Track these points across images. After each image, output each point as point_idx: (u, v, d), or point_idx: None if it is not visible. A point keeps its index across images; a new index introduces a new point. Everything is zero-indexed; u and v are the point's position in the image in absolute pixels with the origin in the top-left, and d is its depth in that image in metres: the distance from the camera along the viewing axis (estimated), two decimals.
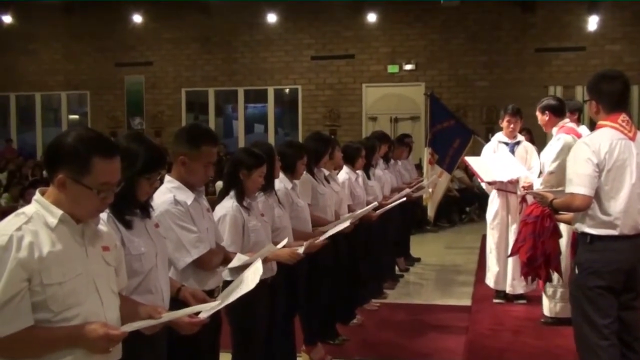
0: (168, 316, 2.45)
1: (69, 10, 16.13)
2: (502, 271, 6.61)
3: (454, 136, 10.64)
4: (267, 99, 16.38)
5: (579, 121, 6.23)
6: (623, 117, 3.78)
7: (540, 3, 14.49)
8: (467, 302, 7.00)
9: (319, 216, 5.15)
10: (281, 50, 16.04)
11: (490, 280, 6.76)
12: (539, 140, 10.76)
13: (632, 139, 3.74)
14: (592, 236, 3.72)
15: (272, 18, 15.51)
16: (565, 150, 5.19)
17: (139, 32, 16.34)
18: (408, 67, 15.32)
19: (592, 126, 4.13)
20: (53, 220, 2.17)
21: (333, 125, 15.52)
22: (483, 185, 7.00)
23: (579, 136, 5.25)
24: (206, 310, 2.55)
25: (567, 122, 5.70)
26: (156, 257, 2.79)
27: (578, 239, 3.88)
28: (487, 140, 7.82)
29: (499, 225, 6.63)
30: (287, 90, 16.50)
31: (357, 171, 6.35)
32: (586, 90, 4.01)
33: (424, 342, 5.81)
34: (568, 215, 4.11)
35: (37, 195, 2.23)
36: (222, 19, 15.85)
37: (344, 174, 6.10)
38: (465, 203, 13.40)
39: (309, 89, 16.00)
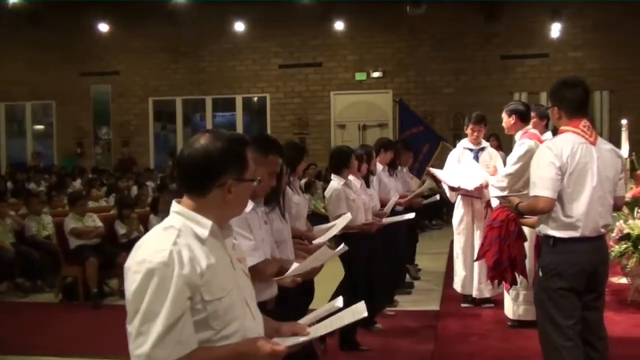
0: (315, 331, 2.27)
1: (34, 20, 15.88)
2: (469, 275, 6.68)
3: (423, 142, 10.74)
4: (236, 108, 16.36)
5: (546, 127, 6.34)
6: (584, 122, 3.85)
7: (504, 11, 14.70)
8: (435, 307, 7.05)
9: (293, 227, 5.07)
10: (249, 59, 16.05)
11: (457, 284, 6.83)
12: (507, 145, 10.91)
13: (593, 143, 3.81)
14: (555, 238, 3.78)
15: (239, 27, 15.52)
16: (528, 155, 5.30)
17: (105, 41, 16.21)
18: (376, 74, 15.44)
19: (556, 132, 4.20)
20: (204, 232, 2.03)
21: (302, 133, 15.56)
22: (447, 191, 7.01)
23: (541, 142, 5.34)
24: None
25: (530, 129, 5.79)
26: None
27: (542, 241, 3.95)
28: (455, 145, 7.90)
29: (465, 230, 6.71)
30: (255, 99, 16.50)
31: (350, 177, 5.88)
32: (548, 97, 4.07)
33: (392, 347, 5.84)
34: (532, 219, 4.18)
35: (178, 207, 2.08)
36: (189, 28, 15.78)
37: (335, 183, 5.70)
38: (434, 209, 13.49)
39: (277, 97, 16.02)
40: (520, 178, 5.57)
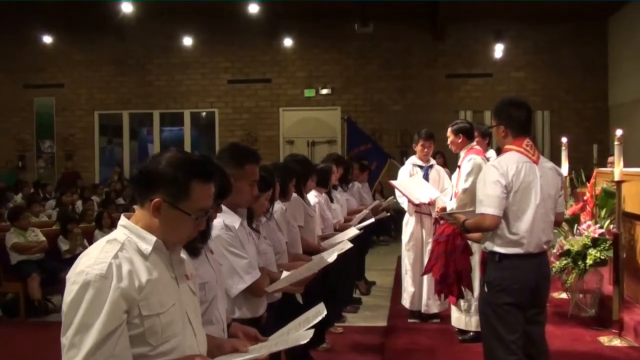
0: (255, 351, 2.28)
1: None
2: (417, 291, 6.76)
3: (371, 159, 10.86)
4: (184, 122, 16.24)
5: (489, 145, 6.50)
6: (527, 141, 3.98)
7: (449, 31, 15.05)
8: (383, 322, 7.10)
9: (306, 240, 5.05)
10: (197, 74, 15.97)
11: (406, 300, 6.90)
12: (451, 162, 11.12)
13: (536, 162, 3.94)
14: (501, 255, 3.88)
15: (188, 41, 15.46)
16: (476, 169, 5.44)
17: (49, 53, 15.90)
18: (324, 91, 15.55)
19: (499, 151, 4.32)
20: (147, 247, 2.02)
21: None
22: (404, 205, 7.00)
23: (486, 158, 5.50)
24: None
25: (474, 145, 5.95)
26: (216, 285, 2.68)
27: (487, 257, 4.04)
28: (402, 163, 8.00)
29: (414, 247, 6.79)
30: (203, 114, 16.41)
31: (322, 194, 6.26)
32: (493, 116, 4.16)
33: None
34: (477, 234, 4.28)
35: (125, 221, 2.08)
36: (137, 41, 15.66)
37: (313, 197, 5.90)
38: (382, 225, 13.58)
39: (226, 113, 15.98)
40: (473, 193, 5.70)
